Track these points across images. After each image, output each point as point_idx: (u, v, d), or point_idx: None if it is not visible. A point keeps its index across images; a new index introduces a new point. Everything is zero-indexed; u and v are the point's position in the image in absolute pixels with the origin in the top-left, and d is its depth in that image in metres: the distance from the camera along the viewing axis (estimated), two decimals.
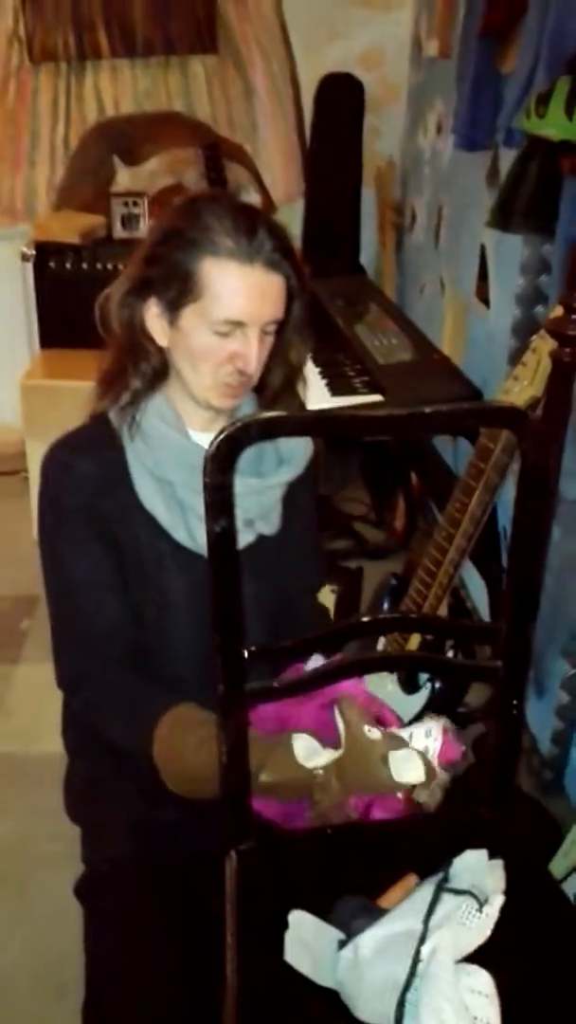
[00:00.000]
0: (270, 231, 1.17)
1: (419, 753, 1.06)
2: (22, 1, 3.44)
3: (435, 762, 1.11)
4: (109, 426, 1.26)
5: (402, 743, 1.08)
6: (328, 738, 1.10)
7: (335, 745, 1.09)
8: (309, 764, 1.06)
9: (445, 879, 0.93)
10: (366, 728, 1.06)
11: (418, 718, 1.65)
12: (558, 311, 1.33)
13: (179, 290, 1.17)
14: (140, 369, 1.24)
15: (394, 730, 1.14)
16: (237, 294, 1.16)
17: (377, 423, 0.91)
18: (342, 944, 0.91)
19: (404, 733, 1.13)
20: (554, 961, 0.96)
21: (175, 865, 1.20)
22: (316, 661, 1.22)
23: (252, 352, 1.18)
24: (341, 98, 3.58)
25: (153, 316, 1.21)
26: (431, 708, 1.64)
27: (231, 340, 1.18)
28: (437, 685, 1.65)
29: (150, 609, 1.27)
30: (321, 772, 1.04)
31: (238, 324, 1.17)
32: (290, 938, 0.93)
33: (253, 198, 3.80)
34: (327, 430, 1.00)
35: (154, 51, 3.58)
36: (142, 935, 1.15)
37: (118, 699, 1.25)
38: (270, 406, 1.29)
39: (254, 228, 1.16)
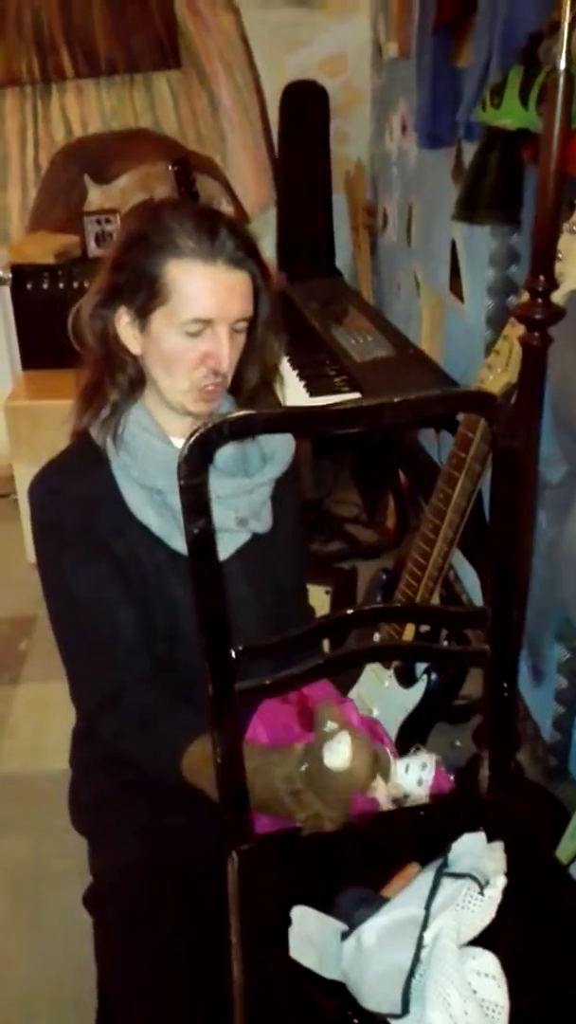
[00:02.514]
0: (231, 230, 1.18)
1: (358, 740, 1.01)
2: None
3: (426, 790, 1.13)
4: (92, 443, 1.26)
5: (349, 733, 1.04)
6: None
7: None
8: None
9: (444, 864, 0.93)
10: (328, 724, 1.02)
11: (416, 712, 1.66)
12: (525, 297, 1.34)
13: (146, 295, 1.18)
14: (117, 380, 1.25)
15: (391, 759, 1.16)
16: (203, 292, 1.17)
17: (347, 415, 0.92)
18: (345, 935, 0.91)
19: (400, 764, 1.15)
20: (560, 941, 0.96)
21: (182, 870, 1.20)
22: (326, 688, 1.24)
23: (223, 350, 1.19)
24: (306, 105, 3.61)
25: (124, 324, 1.22)
26: (428, 700, 1.65)
27: (202, 340, 1.19)
28: (433, 677, 1.65)
29: (159, 618, 1.27)
30: (298, 786, 1.01)
31: (207, 323, 1.18)
32: (294, 933, 0.93)
33: (225, 209, 3.82)
34: (298, 425, 1.01)
35: (117, 70, 3.61)
36: (150, 940, 1.15)
37: (146, 724, 1.23)
38: (248, 406, 1.29)
39: (215, 228, 1.17)
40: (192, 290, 1.17)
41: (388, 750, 1.20)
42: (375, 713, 1.66)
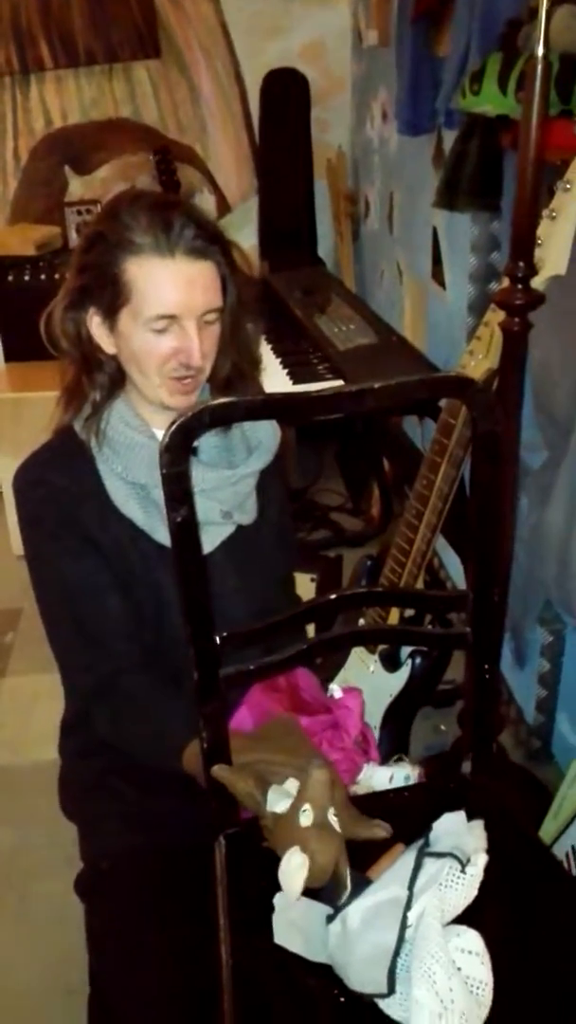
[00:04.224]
0: (189, 219, 1.16)
1: (314, 845, 0.93)
2: None
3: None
4: (76, 438, 1.26)
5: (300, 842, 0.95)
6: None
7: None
8: (268, 804, 1.00)
9: (426, 844, 0.94)
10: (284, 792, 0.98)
11: (401, 696, 1.68)
12: (505, 283, 1.35)
13: (111, 295, 1.17)
14: (96, 381, 1.25)
15: (376, 766, 1.17)
16: (163, 288, 1.15)
17: (328, 401, 0.92)
18: (330, 918, 0.92)
19: (385, 772, 1.17)
20: (542, 919, 0.98)
21: (172, 854, 1.21)
22: (336, 692, 1.25)
23: (192, 345, 1.17)
24: (286, 93, 3.60)
25: (96, 325, 1.21)
26: (413, 685, 1.66)
27: (169, 337, 1.17)
28: (418, 662, 1.67)
29: (146, 608, 1.27)
30: (268, 816, 0.98)
31: (171, 318, 1.16)
32: (278, 920, 0.93)
33: (207, 198, 3.82)
34: (281, 412, 1.01)
35: (97, 60, 3.59)
36: (142, 925, 1.16)
37: (142, 711, 1.23)
38: (222, 394, 1.28)
39: (169, 220, 1.15)
40: (151, 287, 1.15)
41: (372, 762, 1.21)
42: None
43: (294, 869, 0.92)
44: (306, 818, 0.93)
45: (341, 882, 0.93)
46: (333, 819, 0.94)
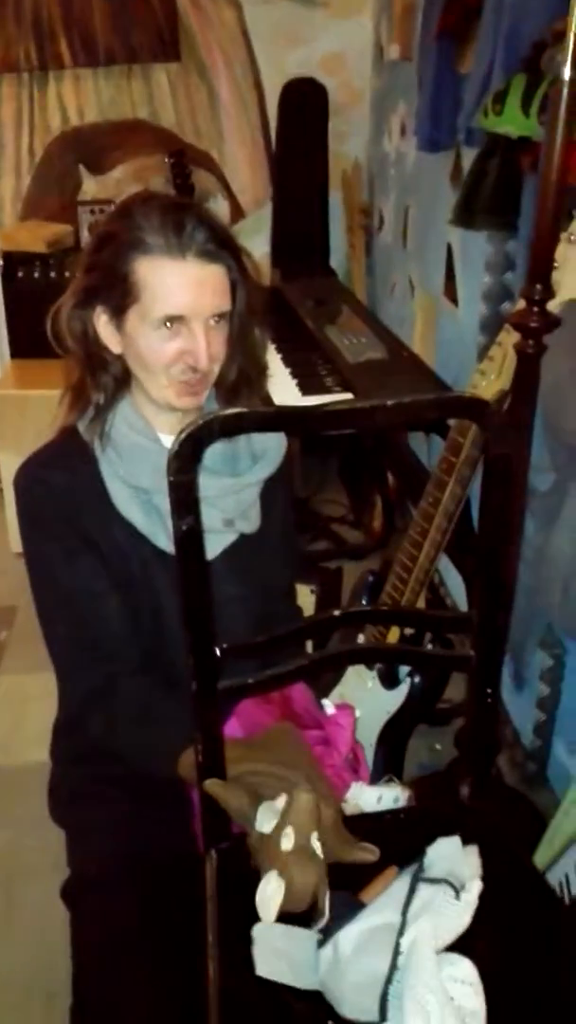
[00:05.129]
0: (201, 222, 1.16)
1: (292, 870, 0.91)
2: None
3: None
4: (79, 439, 1.25)
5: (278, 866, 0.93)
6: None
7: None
8: (257, 822, 0.99)
9: (420, 869, 0.93)
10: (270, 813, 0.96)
11: (398, 714, 1.66)
12: (521, 304, 1.34)
13: (120, 294, 1.17)
14: (100, 381, 1.24)
15: (364, 786, 1.16)
16: (173, 289, 1.15)
17: (340, 416, 0.91)
18: (321, 943, 0.91)
19: (374, 793, 1.16)
20: (536, 948, 0.96)
21: (160, 865, 1.20)
22: (329, 708, 1.24)
23: (199, 347, 1.17)
24: (305, 103, 3.60)
25: (103, 324, 1.20)
26: (411, 703, 1.65)
27: (177, 338, 1.17)
28: (416, 680, 1.66)
29: (144, 612, 1.26)
30: (254, 835, 0.97)
31: (179, 320, 1.16)
32: (260, 950, 0.91)
33: (221, 204, 3.81)
34: (290, 424, 1.00)
35: (116, 60, 3.59)
36: (126, 934, 1.14)
37: (140, 717, 1.22)
38: (228, 399, 1.28)
39: (182, 222, 1.14)
40: (162, 287, 1.15)
41: (361, 782, 1.20)
42: (357, 714, 1.66)
43: (270, 894, 0.91)
44: (287, 842, 0.92)
45: (319, 908, 0.91)
46: (316, 844, 0.93)
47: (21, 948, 1.80)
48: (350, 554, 3.05)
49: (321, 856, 0.93)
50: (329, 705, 1.26)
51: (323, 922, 0.91)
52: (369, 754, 1.65)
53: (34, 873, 1.88)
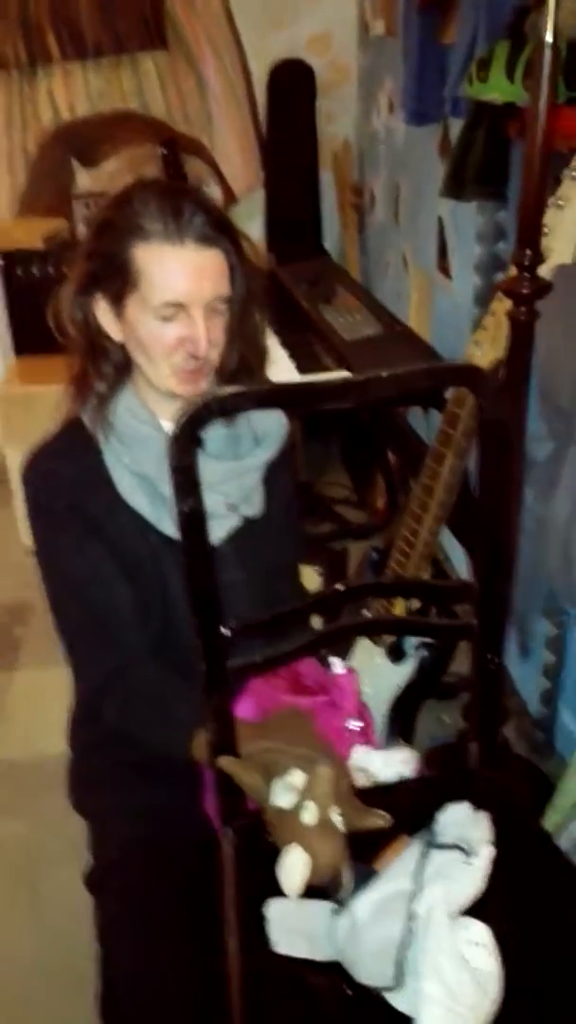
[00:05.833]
0: (199, 208, 1.15)
1: (316, 845, 0.93)
2: None
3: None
4: (84, 429, 1.25)
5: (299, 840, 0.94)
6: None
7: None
8: (272, 797, 0.99)
9: (432, 835, 0.94)
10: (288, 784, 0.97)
11: (406, 689, 1.67)
12: (512, 271, 1.34)
13: (120, 281, 1.17)
14: (102, 370, 1.24)
15: (371, 752, 1.17)
16: (172, 275, 1.15)
17: (337, 390, 0.92)
18: (336, 912, 0.92)
19: (380, 757, 1.16)
20: (548, 910, 0.97)
21: (182, 848, 1.20)
22: (337, 666, 1.24)
23: (199, 333, 1.17)
24: (293, 84, 3.59)
25: (103, 312, 1.20)
26: (418, 677, 1.66)
27: (177, 325, 1.17)
28: (424, 654, 1.66)
29: (154, 599, 1.27)
30: (271, 810, 0.98)
31: (179, 306, 1.16)
32: (274, 928, 0.92)
33: (213, 190, 3.80)
34: (288, 401, 1.01)
35: (104, 51, 3.58)
36: (151, 918, 1.15)
37: (153, 700, 1.23)
38: (228, 385, 1.28)
39: (180, 207, 1.14)
40: (160, 274, 1.15)
41: (367, 746, 1.21)
42: (366, 690, 1.67)
43: (295, 868, 0.92)
44: (309, 816, 0.93)
45: (342, 881, 0.92)
46: (337, 818, 0.94)
47: (48, 936, 1.82)
48: (354, 534, 3.05)
49: (342, 829, 0.94)
50: (336, 663, 1.26)
51: (345, 893, 0.92)
52: (380, 729, 1.66)
53: (57, 862, 1.90)
